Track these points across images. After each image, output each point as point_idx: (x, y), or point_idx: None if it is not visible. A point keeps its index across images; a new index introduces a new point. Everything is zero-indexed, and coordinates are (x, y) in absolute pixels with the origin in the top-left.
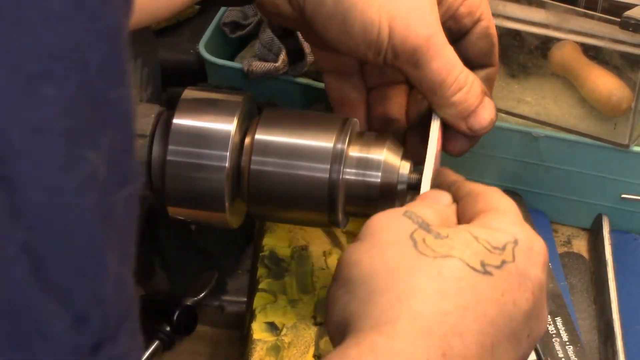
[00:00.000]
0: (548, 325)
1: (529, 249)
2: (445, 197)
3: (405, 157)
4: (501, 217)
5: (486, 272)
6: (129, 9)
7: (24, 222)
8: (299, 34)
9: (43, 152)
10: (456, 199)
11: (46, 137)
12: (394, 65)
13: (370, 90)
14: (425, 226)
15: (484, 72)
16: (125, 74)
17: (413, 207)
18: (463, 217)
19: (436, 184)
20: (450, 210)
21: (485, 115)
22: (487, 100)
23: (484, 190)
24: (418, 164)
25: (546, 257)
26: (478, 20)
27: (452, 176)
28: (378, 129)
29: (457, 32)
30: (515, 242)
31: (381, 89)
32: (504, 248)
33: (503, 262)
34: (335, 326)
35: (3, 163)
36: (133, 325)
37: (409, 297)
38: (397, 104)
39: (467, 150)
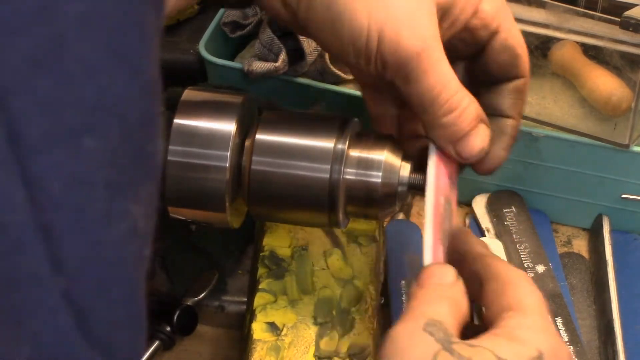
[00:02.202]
0: None
1: (555, 359)
2: (449, 274)
3: (405, 157)
4: (526, 322)
5: None
6: (158, 59)
7: (64, 270)
8: (299, 35)
9: (84, 203)
10: (480, 280)
11: (87, 188)
12: (384, 77)
13: (402, 106)
14: (447, 345)
15: (512, 85)
16: (159, 126)
17: (426, 304)
18: (488, 309)
19: (457, 252)
20: (459, 291)
21: (476, 142)
22: (481, 127)
23: (511, 280)
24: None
25: None
26: (495, 32)
27: (476, 247)
28: (409, 152)
29: (475, 45)
30: (540, 356)
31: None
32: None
33: None
34: None
35: (42, 212)
36: None
37: None
38: None
39: (498, 165)
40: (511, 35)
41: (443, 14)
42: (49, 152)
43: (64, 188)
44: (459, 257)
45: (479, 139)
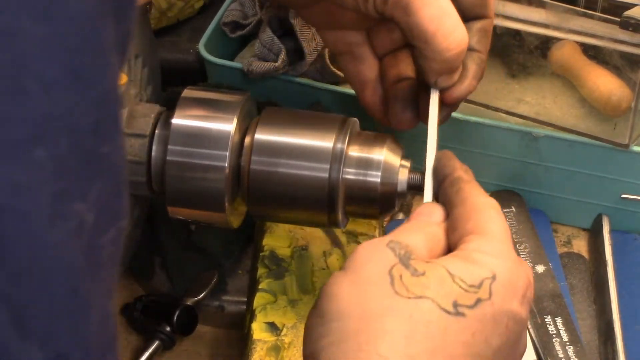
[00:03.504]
0: (548, 326)
1: (509, 283)
2: (437, 214)
3: (405, 156)
4: (485, 246)
5: (458, 314)
6: (123, 63)
7: (5, 273)
8: (299, 35)
9: (28, 209)
10: (451, 204)
11: (32, 196)
12: (383, 12)
13: (382, 58)
14: (405, 260)
15: (479, 24)
16: (118, 128)
17: (402, 232)
18: (452, 234)
19: (439, 173)
20: (441, 229)
21: (455, 76)
22: (471, 73)
23: (478, 206)
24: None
25: (526, 288)
26: None
27: (457, 171)
28: (393, 93)
29: None
30: (494, 277)
31: (392, 54)
32: (480, 285)
33: (478, 301)
34: (308, 355)
35: None
36: (113, 356)
37: (377, 341)
38: (408, 65)
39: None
40: None
41: None
42: None
43: (9, 196)
44: (440, 180)
45: (466, 83)
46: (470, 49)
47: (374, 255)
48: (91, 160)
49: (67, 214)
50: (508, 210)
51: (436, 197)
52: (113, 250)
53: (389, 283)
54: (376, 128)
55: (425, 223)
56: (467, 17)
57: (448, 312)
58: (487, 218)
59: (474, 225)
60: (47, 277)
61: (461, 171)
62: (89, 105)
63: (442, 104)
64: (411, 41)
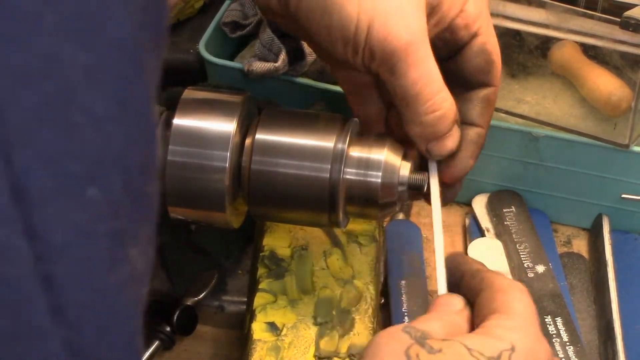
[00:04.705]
0: (548, 326)
1: (529, 355)
2: (457, 303)
3: (405, 157)
4: (506, 322)
5: None
6: (155, 99)
7: (65, 320)
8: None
9: (86, 253)
10: (476, 291)
11: (90, 239)
12: (370, 69)
13: (390, 109)
14: (421, 341)
15: (482, 93)
16: (156, 167)
17: (419, 320)
18: (478, 316)
19: (456, 272)
20: (462, 317)
21: (448, 144)
22: (455, 129)
23: (504, 287)
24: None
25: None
26: (475, 35)
27: (475, 264)
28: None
29: (454, 46)
30: (512, 349)
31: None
32: (499, 357)
33: None
34: None
35: (44, 263)
36: None
37: None
38: None
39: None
40: (489, 41)
41: (431, 10)
42: (53, 204)
43: (67, 239)
44: (458, 277)
45: (451, 141)
46: (470, 124)
47: (390, 340)
48: (140, 201)
49: (122, 259)
50: (508, 210)
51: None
52: (144, 299)
53: None
54: None
55: (444, 312)
56: (471, 85)
57: None
58: (512, 298)
59: (498, 304)
60: (107, 321)
61: (477, 264)
62: (138, 141)
63: (443, 184)
64: (395, 103)
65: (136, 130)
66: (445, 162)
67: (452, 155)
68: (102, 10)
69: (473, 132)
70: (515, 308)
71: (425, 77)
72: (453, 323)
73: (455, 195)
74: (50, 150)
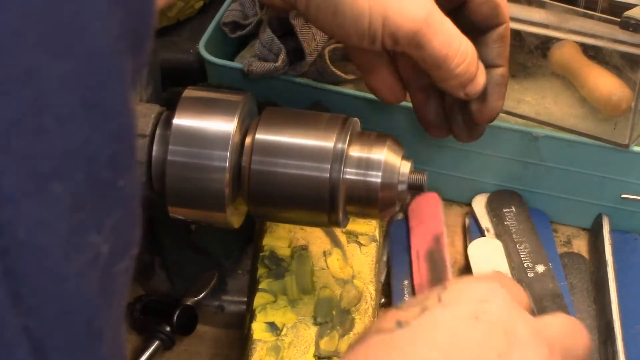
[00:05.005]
0: None
1: (460, 292)
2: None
3: (405, 157)
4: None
5: (401, 325)
6: (132, 97)
7: (24, 307)
8: (299, 35)
9: (46, 244)
10: None
11: (51, 231)
12: (393, 50)
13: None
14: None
15: (495, 34)
16: (134, 160)
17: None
18: None
19: None
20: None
21: (480, 82)
22: (480, 65)
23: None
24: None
25: (493, 292)
26: None
27: None
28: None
29: (456, 1)
30: (444, 287)
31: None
32: (427, 298)
33: (424, 309)
34: None
35: (7, 256)
36: None
37: None
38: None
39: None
40: None
41: None
42: (19, 201)
43: (29, 232)
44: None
45: (481, 78)
46: (491, 66)
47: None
48: (107, 193)
49: (82, 246)
50: (508, 210)
51: None
52: (126, 278)
53: None
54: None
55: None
56: (482, 30)
57: (390, 330)
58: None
59: None
60: (65, 310)
61: None
62: (106, 138)
63: (475, 124)
64: (424, 68)
65: (105, 128)
66: (478, 108)
67: (483, 99)
68: (78, 23)
69: (496, 74)
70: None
71: (447, 39)
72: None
73: (483, 131)
74: (23, 154)
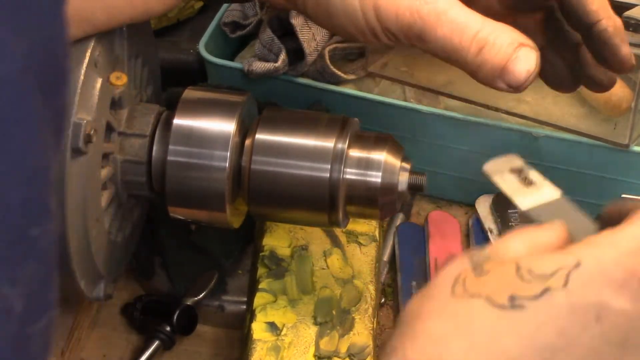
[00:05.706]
0: None
1: (597, 271)
2: (551, 232)
3: (405, 157)
4: (598, 238)
5: (515, 307)
6: (59, 146)
7: None
8: (299, 35)
9: None
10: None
11: None
12: (400, 43)
13: None
14: (477, 264)
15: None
16: (50, 210)
17: (499, 241)
18: None
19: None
20: (550, 236)
21: (519, 68)
22: (522, 50)
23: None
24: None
25: (628, 278)
26: None
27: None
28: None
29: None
30: (577, 265)
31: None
32: (553, 274)
33: (545, 291)
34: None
35: None
36: None
37: (406, 344)
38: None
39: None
40: None
41: None
42: None
43: None
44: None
45: (521, 64)
46: (593, 22)
47: (450, 264)
48: (19, 242)
49: None
50: (513, 211)
51: None
52: (43, 342)
53: (450, 287)
54: None
55: (529, 232)
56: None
57: (502, 307)
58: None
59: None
60: None
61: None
62: (16, 182)
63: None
64: (444, 60)
65: (13, 173)
66: (603, 71)
67: (604, 60)
68: None
69: (599, 30)
70: (627, 227)
71: (456, 27)
72: (537, 242)
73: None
74: None
